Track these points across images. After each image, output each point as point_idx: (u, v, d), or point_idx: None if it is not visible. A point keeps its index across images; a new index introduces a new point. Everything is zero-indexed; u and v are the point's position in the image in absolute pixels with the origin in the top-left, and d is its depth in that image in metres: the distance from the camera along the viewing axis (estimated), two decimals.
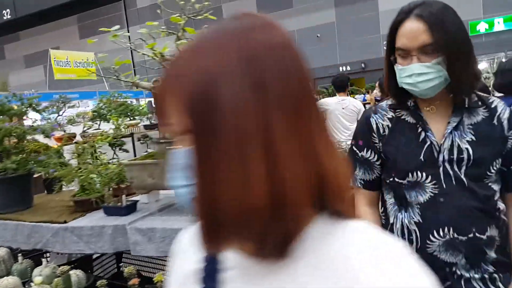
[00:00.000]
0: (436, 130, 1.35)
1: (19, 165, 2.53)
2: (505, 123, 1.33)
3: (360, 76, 17.08)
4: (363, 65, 17.39)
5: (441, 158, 1.33)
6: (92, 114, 5.38)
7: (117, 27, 2.15)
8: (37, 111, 2.72)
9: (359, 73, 17.33)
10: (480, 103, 1.35)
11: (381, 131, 1.44)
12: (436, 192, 1.33)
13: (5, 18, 17.11)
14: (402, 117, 1.42)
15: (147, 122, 6.08)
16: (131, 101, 6.25)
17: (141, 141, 5.94)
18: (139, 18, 18.66)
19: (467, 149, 1.30)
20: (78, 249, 2.15)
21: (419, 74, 1.25)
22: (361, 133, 1.51)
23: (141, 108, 6.26)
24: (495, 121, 1.33)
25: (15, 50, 19.19)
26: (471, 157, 1.30)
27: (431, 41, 1.22)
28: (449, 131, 1.32)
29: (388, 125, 1.43)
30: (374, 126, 1.45)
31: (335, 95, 5.53)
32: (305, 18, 18.13)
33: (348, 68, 17.92)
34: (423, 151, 1.35)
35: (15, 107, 2.77)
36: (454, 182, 1.31)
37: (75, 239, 2.16)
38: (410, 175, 1.36)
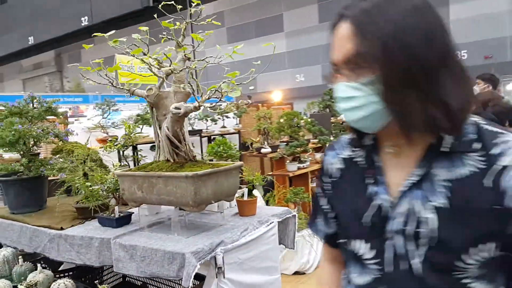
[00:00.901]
0: (395, 183, 0.91)
1: (31, 167, 2.53)
2: (506, 185, 0.81)
3: None
4: None
5: (390, 227, 0.90)
6: (136, 118, 5.45)
7: (112, 32, 2.06)
8: (55, 114, 2.71)
9: None
10: (476, 144, 0.86)
11: (333, 175, 1.08)
12: (378, 276, 0.93)
13: (83, 24, 18.13)
14: (355, 159, 1.02)
15: (190, 128, 6.06)
16: None
17: None
18: (204, 27, 19.05)
19: (431, 220, 0.84)
20: (70, 257, 2.08)
21: (345, 99, 0.87)
22: (318, 175, 1.16)
23: None
24: (488, 180, 0.83)
25: (91, 53, 20.28)
26: (436, 235, 0.84)
27: (356, 50, 0.83)
28: (406, 188, 0.89)
29: (340, 168, 1.06)
30: (326, 168, 1.10)
31: None
32: None
33: None
34: (367, 214, 0.93)
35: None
36: (404, 267, 0.88)
37: (68, 247, 2.09)
38: (350, 244, 0.99)
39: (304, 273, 4.61)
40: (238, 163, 2.01)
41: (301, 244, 4.58)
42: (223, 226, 2.02)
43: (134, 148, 5.54)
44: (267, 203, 4.99)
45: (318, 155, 5.70)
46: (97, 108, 5.16)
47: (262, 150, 5.38)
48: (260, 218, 2.12)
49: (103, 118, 4.86)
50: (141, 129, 5.36)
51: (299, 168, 5.21)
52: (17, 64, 19.69)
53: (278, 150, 5.32)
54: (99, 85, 2.20)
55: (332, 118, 6.75)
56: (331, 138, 6.79)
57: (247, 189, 2.22)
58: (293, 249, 2.33)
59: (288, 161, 5.22)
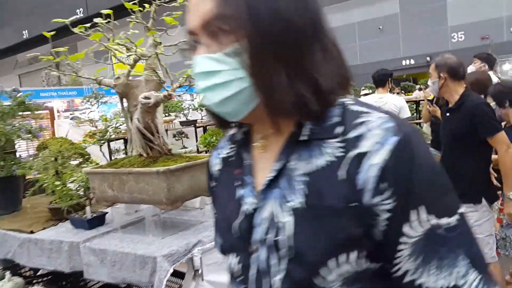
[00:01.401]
0: (260, 184, 0.74)
1: (3, 166, 2.37)
2: (362, 177, 0.63)
3: (425, 70, 15.89)
4: (428, 58, 16.16)
5: (254, 237, 0.73)
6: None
7: (74, 17, 1.88)
8: (29, 109, 2.54)
9: (424, 67, 16.14)
10: (338, 128, 0.68)
11: (214, 178, 0.91)
12: None
13: (78, 16, 17.91)
14: (231, 158, 0.85)
15: (183, 119, 5.89)
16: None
17: (176, 138, 5.79)
18: None
19: (288, 225, 0.68)
20: (41, 263, 1.93)
21: (205, 74, 0.68)
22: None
23: (179, 104, 6.08)
24: (342, 171, 0.65)
25: (87, 47, 19.97)
26: (292, 243, 0.67)
27: (217, 11, 0.65)
28: (264, 187, 0.72)
29: (219, 169, 0.88)
30: (210, 171, 0.93)
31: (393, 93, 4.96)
32: (366, 10, 17.20)
33: (412, 61, 16.77)
34: (235, 222, 0.76)
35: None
36: (266, 286, 0.71)
37: (39, 252, 1.94)
38: (228, 258, 0.82)
39: None
40: None
41: None
42: (203, 223, 1.86)
43: (126, 141, 5.39)
44: None
45: None
46: (85, 101, 4.98)
47: None
48: None
49: (91, 111, 4.69)
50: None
51: None
52: (12, 59, 19.49)
53: None
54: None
55: None
56: None
57: None
58: None
59: None
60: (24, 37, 17.91)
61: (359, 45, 17.38)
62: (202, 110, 6.05)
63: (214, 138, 4.58)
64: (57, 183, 2.02)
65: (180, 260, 1.56)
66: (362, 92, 8.95)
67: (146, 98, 1.67)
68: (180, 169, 1.64)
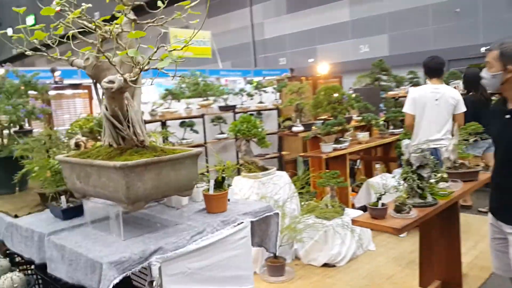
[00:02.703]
0: None
1: (6, 146, 2.36)
2: None
3: None
4: None
5: None
6: (163, 93, 5.24)
7: None
8: (36, 89, 2.50)
9: None
10: None
11: None
12: None
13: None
14: None
15: (223, 103, 5.76)
16: (211, 81, 5.99)
17: (214, 123, 5.68)
18: None
19: None
20: (20, 249, 1.88)
21: None
22: None
23: (221, 88, 5.95)
24: None
25: (151, 30, 20.61)
26: None
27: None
28: None
29: None
30: None
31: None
32: None
33: None
34: None
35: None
36: None
37: (19, 238, 1.89)
38: None
39: (334, 266, 4.20)
40: (193, 150, 1.65)
41: (331, 234, 4.16)
42: (177, 225, 1.70)
43: (163, 124, 5.38)
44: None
45: (360, 135, 5.15)
46: None
47: (294, 129, 4.95)
48: (226, 217, 1.76)
49: None
50: (170, 104, 5.16)
51: (334, 150, 4.73)
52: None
53: (313, 128, 4.85)
54: None
55: (383, 93, 6.11)
56: (381, 116, 6.17)
57: (213, 181, 1.86)
58: (275, 253, 1.95)
59: (323, 142, 4.75)
60: (95, 18, 18.69)
61: (432, 29, 16.22)
62: (242, 95, 5.89)
63: (245, 125, 4.41)
64: (45, 165, 1.95)
65: (133, 268, 1.41)
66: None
67: (109, 82, 1.52)
68: (140, 166, 1.48)
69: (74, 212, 1.85)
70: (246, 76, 11.62)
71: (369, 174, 6.07)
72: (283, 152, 6.39)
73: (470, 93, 5.25)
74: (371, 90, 5.87)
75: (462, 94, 3.98)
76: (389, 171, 5.68)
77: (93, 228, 1.72)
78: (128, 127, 1.63)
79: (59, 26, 1.70)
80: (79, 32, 1.76)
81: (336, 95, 5.12)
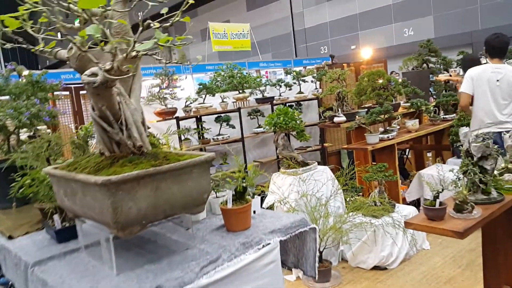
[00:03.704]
0: None
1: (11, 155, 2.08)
2: None
3: None
4: None
5: None
6: (198, 88, 4.91)
7: None
8: (44, 90, 2.21)
9: None
10: None
11: None
12: None
13: None
14: None
15: (260, 96, 5.33)
16: (248, 73, 5.58)
17: (251, 116, 5.29)
18: None
19: None
20: (12, 277, 1.58)
21: None
22: None
23: (258, 79, 5.53)
24: None
25: (195, 25, 20.66)
26: None
27: None
28: None
29: None
30: None
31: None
32: None
33: None
34: None
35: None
36: None
37: (11, 264, 1.58)
38: None
39: (385, 268, 3.72)
40: (203, 156, 1.26)
41: (381, 234, 3.67)
42: (187, 251, 1.32)
43: (198, 120, 5.06)
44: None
45: (410, 123, 4.57)
46: (156, 79, 4.70)
47: (335, 119, 4.45)
48: (248, 237, 1.36)
49: (161, 89, 4.40)
50: (204, 99, 4.82)
51: (381, 140, 4.20)
52: None
53: (357, 118, 4.34)
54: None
55: (432, 76, 5.46)
56: (431, 101, 5.53)
57: (230, 192, 1.47)
58: (314, 277, 1.53)
59: (368, 132, 4.24)
60: (139, 18, 18.82)
61: (480, 7, 14.93)
62: (280, 86, 5.44)
63: (282, 118, 3.99)
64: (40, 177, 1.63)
65: None
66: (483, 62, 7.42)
67: (92, 75, 1.15)
68: (131, 180, 1.10)
69: (69, 233, 1.52)
70: (286, 66, 11.12)
71: (420, 164, 5.46)
72: (325, 144, 5.90)
73: None
74: (420, 74, 5.25)
75: None
76: (442, 160, 5.07)
77: (87, 255, 1.38)
78: (121, 130, 1.26)
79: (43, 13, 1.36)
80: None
81: (381, 80, 4.58)
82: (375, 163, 4.34)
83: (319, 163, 6.11)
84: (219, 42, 12.36)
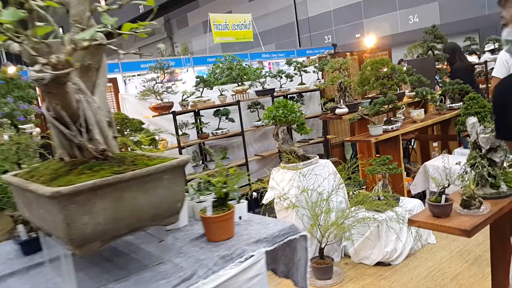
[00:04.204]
0: None
1: None
2: None
3: None
4: None
5: None
6: (196, 81, 4.74)
7: None
8: (20, 87, 2.06)
9: None
10: None
11: None
12: None
13: None
14: None
15: (260, 88, 5.15)
16: (247, 64, 5.40)
17: (251, 109, 5.12)
18: None
19: None
20: None
21: None
22: None
23: (258, 71, 5.35)
24: None
25: (196, 17, 20.44)
26: None
27: None
28: None
29: None
30: None
31: None
32: None
33: None
34: None
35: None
36: None
37: None
38: None
39: (389, 264, 3.56)
40: (175, 160, 1.10)
41: (385, 229, 3.51)
42: (159, 266, 1.17)
43: (196, 114, 4.90)
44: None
45: (415, 113, 4.38)
46: (151, 72, 4.52)
47: (337, 111, 4.27)
48: (230, 248, 1.21)
49: (156, 83, 4.24)
50: (201, 92, 4.65)
51: (385, 131, 4.01)
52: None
53: (360, 109, 4.16)
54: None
55: (437, 64, 5.24)
56: (437, 89, 5.32)
57: (210, 198, 1.31)
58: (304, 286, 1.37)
59: (371, 123, 4.05)
60: (140, 11, 18.69)
61: None
62: (281, 78, 5.25)
63: (281, 111, 3.82)
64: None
65: None
66: (487, 48, 7.17)
67: (41, 70, 1.00)
68: (86, 191, 0.95)
69: (35, 245, 1.37)
70: (289, 57, 10.89)
71: (426, 155, 5.27)
72: (328, 136, 5.72)
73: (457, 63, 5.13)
74: (424, 61, 5.03)
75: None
76: (449, 151, 4.87)
77: (52, 270, 1.24)
78: (80, 132, 1.11)
79: None
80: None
81: (385, 69, 4.38)
82: (379, 155, 4.16)
83: (322, 156, 5.95)
84: (221, 33, 12.14)
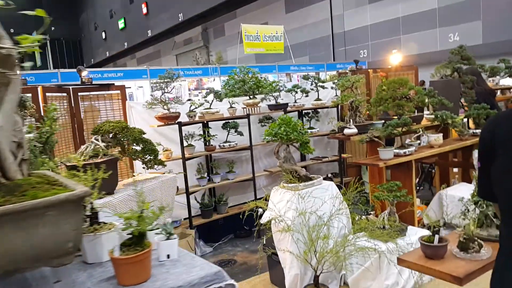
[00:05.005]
0: None
1: None
2: None
3: None
4: None
5: None
6: (205, 92, 4.63)
7: None
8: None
9: None
10: None
11: None
12: None
13: None
14: None
15: (273, 102, 4.96)
16: (262, 77, 5.24)
17: (262, 124, 4.94)
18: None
19: None
20: None
21: None
22: None
23: (274, 84, 5.18)
24: None
25: (233, 27, 20.48)
26: None
27: None
28: None
29: None
30: None
31: None
32: None
33: None
34: None
35: None
36: None
37: None
38: None
39: None
40: (63, 195, 0.95)
41: (386, 260, 3.23)
42: None
43: (204, 126, 4.78)
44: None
45: (432, 137, 4.05)
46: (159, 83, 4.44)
47: (345, 131, 4.02)
48: None
49: (164, 92, 4.16)
50: (210, 104, 4.53)
51: (396, 156, 3.73)
52: (171, 40, 21.01)
53: (370, 131, 3.89)
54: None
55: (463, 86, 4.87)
56: (459, 115, 4.95)
57: (115, 236, 1.15)
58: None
59: (382, 146, 3.78)
60: (180, 19, 19.00)
61: None
62: (296, 92, 5.05)
63: (283, 128, 3.62)
64: None
65: None
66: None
67: None
68: None
69: None
70: (319, 70, 10.65)
71: (446, 181, 4.90)
72: (344, 155, 5.44)
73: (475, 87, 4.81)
74: (449, 83, 4.69)
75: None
76: (469, 179, 4.49)
77: None
78: None
79: None
80: None
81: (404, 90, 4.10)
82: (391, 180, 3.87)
83: (336, 175, 5.68)
84: (252, 44, 12.08)
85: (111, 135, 3.25)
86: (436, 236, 2.16)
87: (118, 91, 4.03)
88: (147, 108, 4.27)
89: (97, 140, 3.20)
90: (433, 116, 4.33)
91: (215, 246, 4.64)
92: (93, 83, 3.90)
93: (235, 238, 4.81)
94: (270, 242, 3.58)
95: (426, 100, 4.24)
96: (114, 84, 4.06)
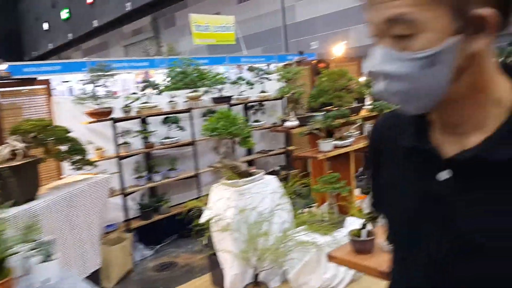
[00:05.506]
0: None
1: None
2: None
3: None
4: None
5: None
6: (141, 85, 4.42)
7: None
8: None
9: None
10: None
11: None
12: None
13: None
14: None
15: (217, 95, 4.82)
16: (206, 69, 5.08)
17: (206, 118, 4.80)
18: None
19: None
20: None
21: None
22: None
23: (218, 76, 5.02)
24: None
25: (184, 17, 19.90)
26: None
27: None
28: None
29: None
30: None
31: None
32: None
33: None
34: None
35: None
36: None
37: None
38: None
39: None
40: None
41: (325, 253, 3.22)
42: None
43: (143, 122, 4.57)
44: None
45: (370, 128, 4.08)
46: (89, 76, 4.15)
47: (287, 124, 3.97)
48: None
49: (95, 86, 3.91)
50: (149, 98, 4.33)
51: (335, 147, 3.72)
52: (118, 31, 20.17)
53: (310, 123, 3.86)
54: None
55: None
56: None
57: None
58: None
59: (321, 139, 3.76)
60: (127, 9, 18.30)
61: None
62: (240, 85, 4.94)
63: (221, 123, 3.52)
64: None
65: None
66: None
67: None
68: None
69: None
70: (269, 62, 10.56)
71: None
72: (290, 147, 5.42)
73: None
74: None
75: None
76: None
77: None
78: None
79: None
80: None
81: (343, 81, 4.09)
82: (329, 172, 3.87)
83: (284, 167, 5.65)
84: (201, 35, 11.82)
85: (31, 135, 3.01)
86: (363, 230, 2.14)
87: (44, 86, 3.74)
88: (77, 104, 4.00)
89: (17, 140, 2.95)
90: (371, 106, 4.37)
91: (157, 249, 4.47)
92: (13, 77, 3.58)
93: (179, 238, 4.66)
94: (212, 242, 3.48)
95: (365, 91, 4.27)
96: (36, 78, 3.75)
